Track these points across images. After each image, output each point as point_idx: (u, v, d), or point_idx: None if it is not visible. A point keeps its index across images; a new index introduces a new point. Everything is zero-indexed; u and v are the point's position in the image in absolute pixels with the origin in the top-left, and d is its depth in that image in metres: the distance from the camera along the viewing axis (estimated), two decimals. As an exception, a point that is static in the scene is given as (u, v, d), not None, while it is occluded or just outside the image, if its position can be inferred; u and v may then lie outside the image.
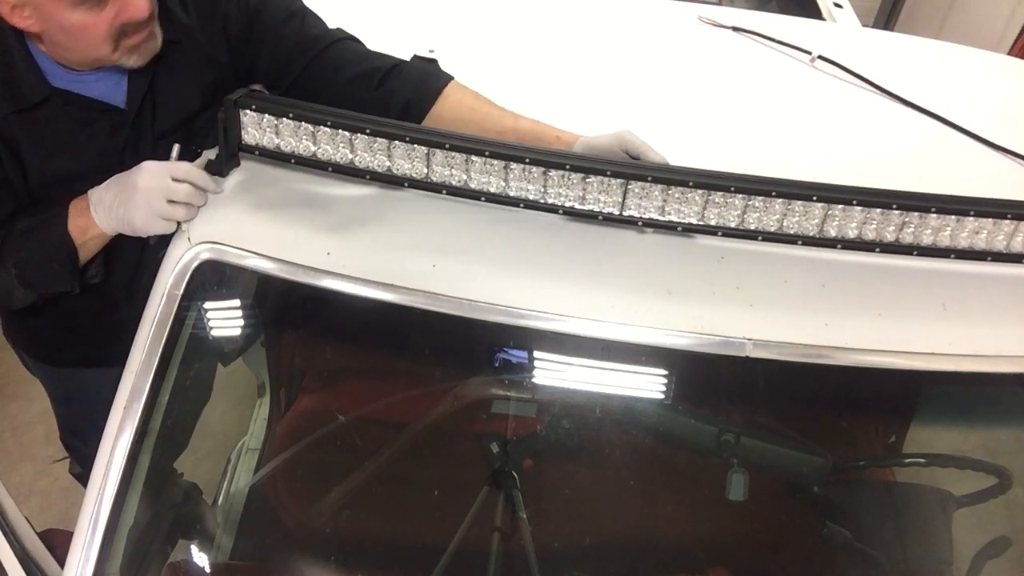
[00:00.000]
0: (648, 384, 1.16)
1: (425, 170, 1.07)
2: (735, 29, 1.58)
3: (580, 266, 1.05)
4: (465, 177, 1.06)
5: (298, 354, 1.39)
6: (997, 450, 1.23)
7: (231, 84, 1.20)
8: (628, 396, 1.18)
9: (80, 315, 1.29)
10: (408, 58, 1.22)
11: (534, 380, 1.19)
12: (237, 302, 1.20)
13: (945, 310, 1.04)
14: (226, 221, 1.09)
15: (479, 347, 1.18)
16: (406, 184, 1.08)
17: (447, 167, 1.06)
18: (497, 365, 1.18)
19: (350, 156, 1.08)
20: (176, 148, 1.11)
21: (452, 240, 1.07)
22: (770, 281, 1.04)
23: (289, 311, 1.27)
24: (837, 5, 2.15)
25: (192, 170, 1.07)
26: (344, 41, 1.19)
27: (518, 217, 1.09)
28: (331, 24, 1.23)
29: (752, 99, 1.41)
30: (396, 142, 1.04)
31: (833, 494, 1.25)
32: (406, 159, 1.06)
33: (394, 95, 1.15)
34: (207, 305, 1.13)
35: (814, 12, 2.12)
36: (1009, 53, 3.22)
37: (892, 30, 4.10)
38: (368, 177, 1.09)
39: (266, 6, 1.17)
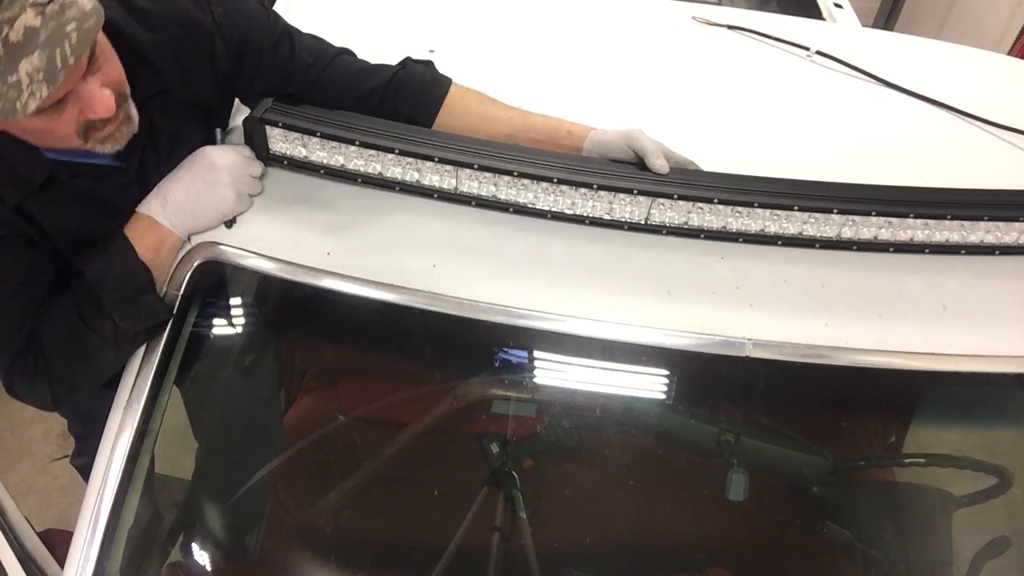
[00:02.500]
0: (648, 384, 1.16)
1: (454, 182, 1.08)
2: (730, 27, 1.58)
3: (580, 266, 1.05)
4: (494, 189, 1.08)
5: (298, 354, 1.39)
6: (997, 450, 1.23)
7: (226, 122, 1.18)
8: (628, 396, 1.18)
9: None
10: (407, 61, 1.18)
11: (534, 380, 1.18)
12: (237, 302, 1.20)
13: (945, 310, 1.04)
14: (226, 221, 1.09)
15: (479, 347, 1.18)
16: (435, 196, 1.10)
17: (475, 180, 1.08)
18: (497, 365, 1.18)
19: (379, 169, 1.09)
20: (219, 132, 1.12)
21: (452, 240, 1.07)
22: (770, 281, 1.04)
23: (289, 311, 1.27)
24: (837, 5, 2.15)
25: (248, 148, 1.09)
26: (335, 62, 1.13)
27: (518, 218, 1.09)
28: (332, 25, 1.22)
29: (751, 95, 1.41)
30: (426, 162, 1.06)
31: (833, 494, 1.24)
32: (436, 173, 1.08)
33: (395, 114, 1.13)
34: (207, 305, 1.13)
35: (814, 12, 2.12)
36: (1009, 53, 3.22)
37: (892, 30, 4.10)
38: (398, 189, 1.10)
39: (250, 36, 1.08)
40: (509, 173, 1.04)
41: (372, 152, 1.07)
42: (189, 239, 1.08)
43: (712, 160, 1.20)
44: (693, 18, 1.62)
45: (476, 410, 1.22)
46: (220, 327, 1.20)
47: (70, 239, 1.01)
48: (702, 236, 1.08)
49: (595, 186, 1.04)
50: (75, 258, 1.01)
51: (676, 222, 1.07)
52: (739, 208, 1.05)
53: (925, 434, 1.31)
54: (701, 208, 1.05)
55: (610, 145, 1.09)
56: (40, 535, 1.04)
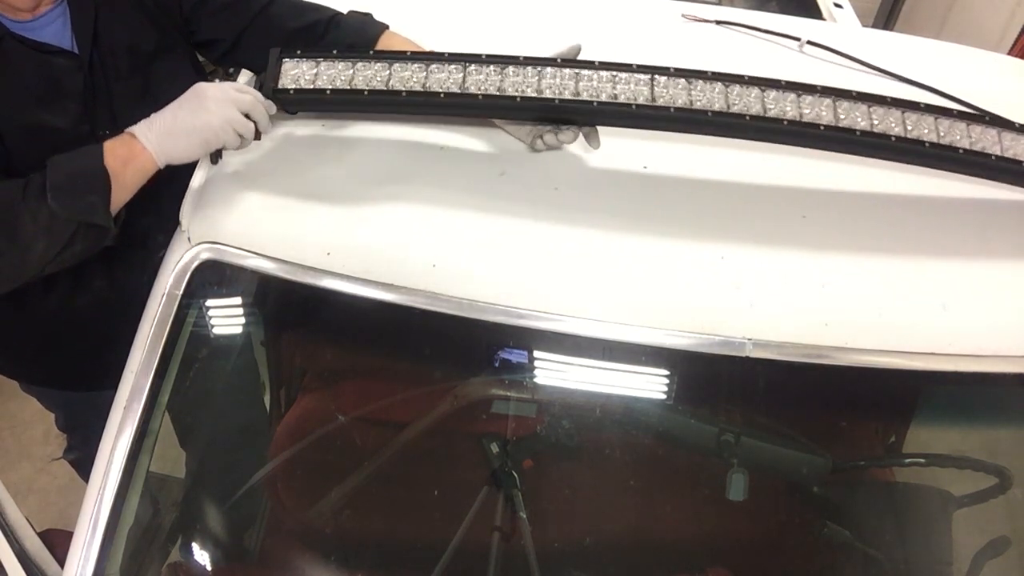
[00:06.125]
0: (648, 384, 1.16)
1: (460, 78, 1.09)
2: (718, 23, 1.58)
3: (580, 266, 1.05)
4: (499, 80, 1.10)
5: (298, 354, 1.39)
6: (997, 450, 1.23)
7: (177, 30, 1.22)
8: (628, 396, 1.18)
9: (74, 325, 1.29)
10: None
11: (534, 380, 1.18)
12: (237, 302, 1.20)
13: (945, 310, 1.04)
14: (226, 221, 1.09)
15: (479, 347, 1.18)
16: (442, 95, 1.09)
17: (480, 75, 1.10)
18: (497, 365, 1.18)
19: (387, 77, 1.10)
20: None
21: (452, 240, 1.07)
22: (770, 281, 1.04)
23: (289, 311, 1.27)
24: (837, 5, 2.15)
25: (250, 88, 1.10)
26: None
27: (518, 217, 1.09)
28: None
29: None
30: (432, 63, 1.10)
31: (833, 494, 1.24)
32: (443, 71, 1.09)
33: (337, 44, 1.20)
34: (207, 305, 1.13)
35: (814, 12, 2.12)
36: (1009, 53, 3.22)
37: (892, 30, 4.10)
38: (404, 96, 1.10)
39: None
40: (515, 61, 1.08)
41: (381, 64, 1.09)
42: (189, 240, 1.08)
43: (708, 156, 1.20)
44: (682, 16, 1.62)
45: (476, 410, 1.22)
46: (220, 327, 1.20)
47: (9, 119, 1.05)
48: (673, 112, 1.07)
49: (596, 64, 1.08)
50: (10, 147, 1.05)
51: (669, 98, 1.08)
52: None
53: (925, 434, 1.31)
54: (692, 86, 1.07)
55: None
56: (40, 535, 1.04)
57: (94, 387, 1.43)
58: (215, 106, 1.05)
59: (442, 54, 1.09)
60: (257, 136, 1.11)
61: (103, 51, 1.14)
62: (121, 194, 1.05)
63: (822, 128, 1.08)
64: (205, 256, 1.07)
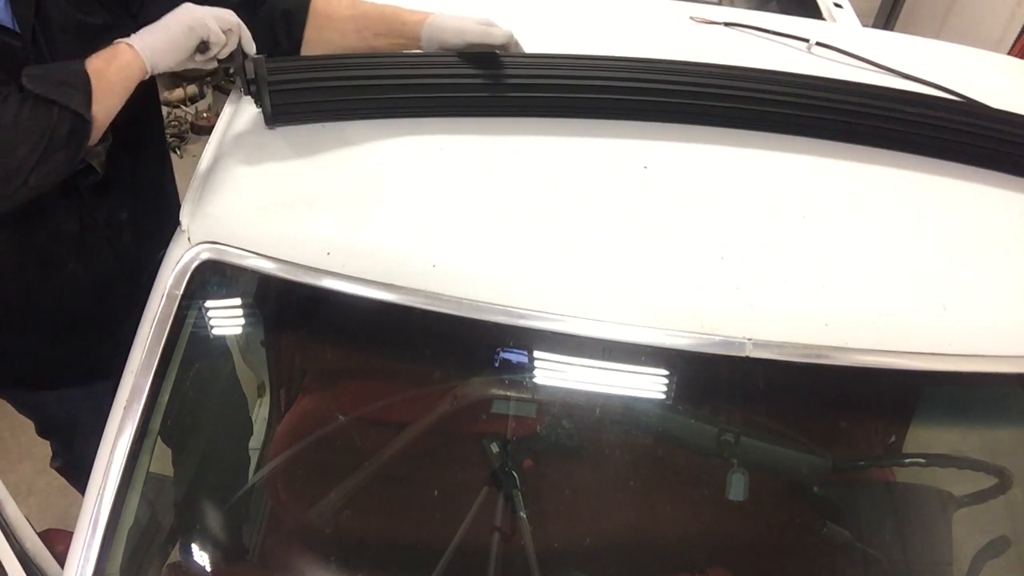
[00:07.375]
0: (648, 384, 1.16)
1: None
2: (727, 24, 1.59)
3: (580, 266, 1.05)
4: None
5: (298, 354, 1.39)
6: (997, 450, 1.23)
7: (122, 9, 1.20)
8: (628, 396, 1.18)
9: (43, 311, 1.29)
10: None
11: (534, 380, 1.18)
12: (237, 302, 1.20)
13: (945, 310, 1.04)
14: (226, 221, 1.09)
15: (479, 347, 1.19)
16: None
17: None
18: (497, 365, 1.18)
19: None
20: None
21: (452, 240, 1.07)
22: (770, 281, 1.04)
23: (289, 311, 1.27)
24: (837, 5, 2.15)
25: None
26: None
27: (518, 217, 1.09)
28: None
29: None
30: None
31: (833, 494, 1.24)
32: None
33: (274, 10, 1.21)
34: (207, 305, 1.13)
35: (814, 12, 2.12)
36: (1009, 53, 3.22)
37: (892, 30, 4.10)
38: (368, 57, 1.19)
39: None
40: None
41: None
42: (189, 240, 1.08)
43: (709, 156, 1.20)
44: (691, 18, 1.63)
45: (476, 410, 1.22)
46: (220, 327, 1.20)
47: None
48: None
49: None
50: None
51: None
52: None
53: (925, 434, 1.31)
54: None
55: (452, 32, 1.18)
56: (40, 535, 1.04)
57: (65, 383, 1.43)
58: (199, 7, 1.08)
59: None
60: (245, 78, 1.12)
61: (51, 29, 1.12)
62: (107, 92, 1.02)
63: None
64: (205, 256, 1.07)
